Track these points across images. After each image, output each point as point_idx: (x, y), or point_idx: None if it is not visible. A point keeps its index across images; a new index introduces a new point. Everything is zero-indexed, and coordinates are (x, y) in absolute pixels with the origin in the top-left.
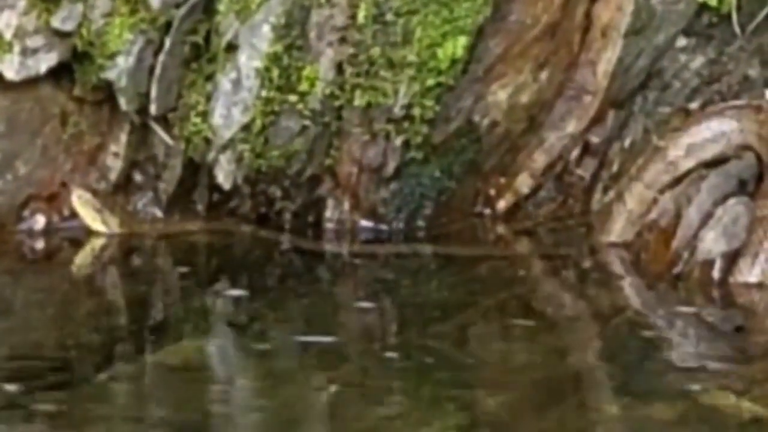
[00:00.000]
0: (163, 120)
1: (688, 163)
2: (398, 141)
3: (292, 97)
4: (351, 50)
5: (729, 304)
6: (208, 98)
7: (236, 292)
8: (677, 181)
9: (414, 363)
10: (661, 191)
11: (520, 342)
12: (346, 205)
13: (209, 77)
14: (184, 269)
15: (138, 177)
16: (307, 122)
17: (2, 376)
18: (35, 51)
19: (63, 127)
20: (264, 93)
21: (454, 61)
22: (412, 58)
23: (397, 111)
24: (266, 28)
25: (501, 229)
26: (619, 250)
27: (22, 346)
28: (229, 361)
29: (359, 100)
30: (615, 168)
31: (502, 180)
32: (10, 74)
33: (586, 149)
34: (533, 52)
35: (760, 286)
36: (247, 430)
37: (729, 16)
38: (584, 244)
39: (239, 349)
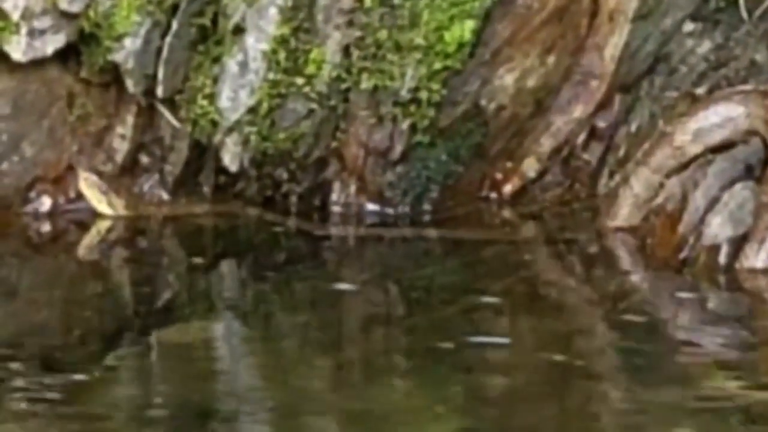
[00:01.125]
0: (170, 102)
1: (695, 149)
2: (405, 124)
3: (299, 80)
4: (358, 33)
5: (735, 290)
6: (215, 80)
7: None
8: (684, 166)
9: (419, 346)
10: (668, 176)
11: (525, 326)
12: (353, 188)
13: (216, 59)
14: (194, 255)
15: (144, 159)
16: (313, 105)
17: (8, 357)
18: (42, 32)
19: (70, 108)
20: (271, 75)
21: (461, 45)
22: (419, 41)
23: (404, 94)
24: (273, 11)
25: (507, 213)
26: (625, 235)
27: (28, 328)
28: (234, 342)
29: (366, 83)
30: (621, 152)
31: (509, 164)
32: (17, 55)
33: (593, 134)
34: (540, 36)
35: (766, 271)
36: (251, 409)
37: (736, 1)
38: (590, 228)
39: (243, 330)
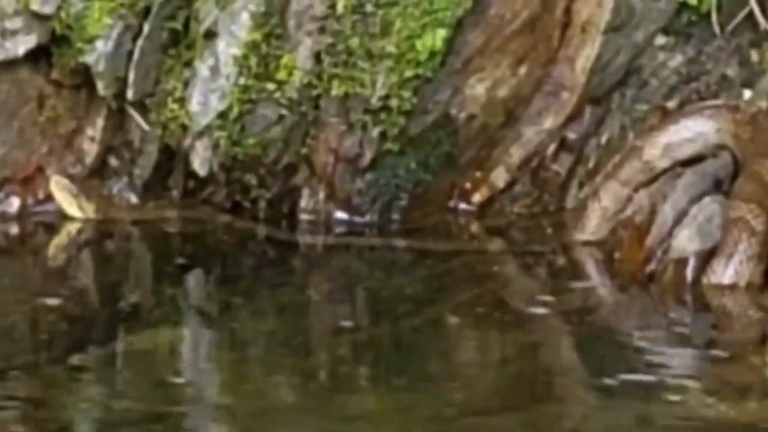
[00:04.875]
0: (140, 105)
1: (664, 163)
2: (375, 132)
3: (270, 86)
4: (329, 40)
5: (701, 305)
6: (186, 84)
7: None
8: (653, 179)
9: (384, 356)
10: (636, 189)
11: (490, 338)
12: (322, 195)
13: (187, 64)
14: (162, 260)
15: (114, 162)
16: (284, 111)
17: None
18: (14, 33)
19: (40, 110)
20: (242, 81)
21: (432, 54)
22: (390, 49)
23: (375, 102)
24: (245, 16)
25: (475, 223)
26: (592, 248)
27: None
28: (200, 348)
29: (337, 90)
30: (591, 164)
31: (478, 174)
32: None
33: (563, 145)
34: (512, 47)
35: (732, 287)
36: (215, 416)
37: (709, 15)
38: (558, 241)
39: (209, 337)
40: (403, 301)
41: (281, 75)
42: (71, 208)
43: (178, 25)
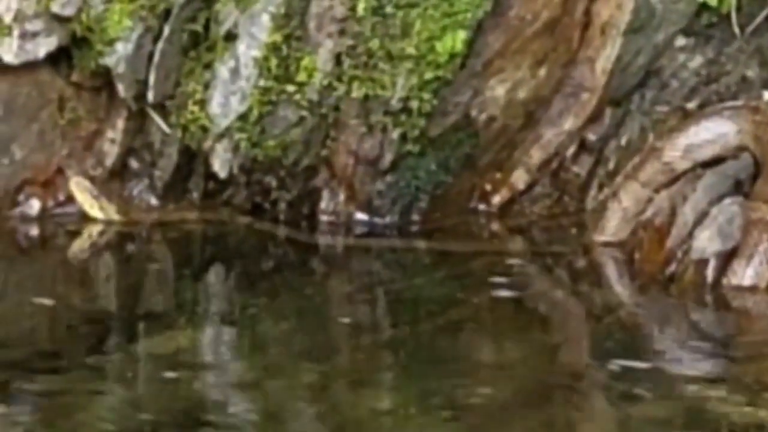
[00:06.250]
0: (161, 107)
1: (685, 164)
2: (395, 134)
3: (290, 88)
4: (350, 42)
5: (722, 307)
6: (206, 86)
7: None
8: (673, 180)
9: (404, 358)
10: (657, 190)
11: (510, 339)
12: (342, 197)
13: (208, 66)
14: (182, 262)
15: (134, 164)
16: (304, 113)
17: None
18: (34, 35)
19: (60, 112)
20: (262, 82)
21: (452, 55)
22: (410, 51)
23: (395, 104)
24: (266, 18)
25: (495, 225)
26: (612, 250)
27: (13, 333)
28: (220, 350)
29: (357, 92)
30: (611, 166)
31: (498, 175)
32: (9, 58)
33: (583, 146)
34: (532, 48)
35: (753, 289)
36: (236, 420)
37: (729, 16)
38: (578, 242)
39: (229, 338)
40: (423, 302)
41: (301, 77)
42: (93, 210)
43: (198, 27)
